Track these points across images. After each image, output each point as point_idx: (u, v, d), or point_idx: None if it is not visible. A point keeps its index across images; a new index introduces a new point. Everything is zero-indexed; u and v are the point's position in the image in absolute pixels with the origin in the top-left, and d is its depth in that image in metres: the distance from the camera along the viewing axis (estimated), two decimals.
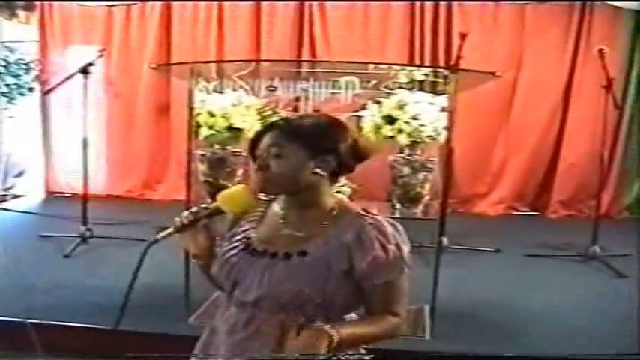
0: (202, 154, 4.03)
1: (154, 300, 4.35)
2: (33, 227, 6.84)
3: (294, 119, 2.03)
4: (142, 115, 8.44)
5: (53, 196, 8.63)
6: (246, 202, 2.04)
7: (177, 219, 2.03)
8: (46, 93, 6.40)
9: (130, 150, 8.52)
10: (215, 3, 8.17)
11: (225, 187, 2.16)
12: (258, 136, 2.02)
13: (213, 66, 4.61)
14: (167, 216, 2.15)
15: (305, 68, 4.66)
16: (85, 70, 5.91)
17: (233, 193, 2.05)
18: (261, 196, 2.11)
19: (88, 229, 6.11)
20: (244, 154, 3.98)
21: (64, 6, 8.42)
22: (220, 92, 4.06)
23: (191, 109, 3.70)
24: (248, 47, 8.08)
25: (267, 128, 2.02)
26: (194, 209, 2.05)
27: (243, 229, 2.08)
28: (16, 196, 8.66)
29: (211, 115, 3.88)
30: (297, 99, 4.43)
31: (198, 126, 3.92)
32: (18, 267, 5.29)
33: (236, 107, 3.90)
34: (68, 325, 4.07)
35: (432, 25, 7.85)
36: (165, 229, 2.02)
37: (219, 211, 2.03)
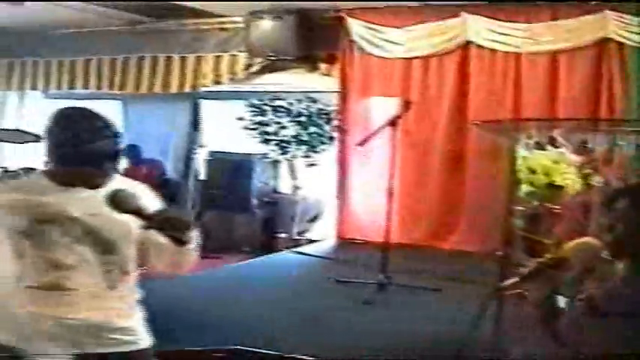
0: (520, 209, 4.15)
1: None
2: (328, 272, 7.18)
3: None
4: (435, 165, 8.64)
5: (346, 242, 8.95)
6: (592, 256, 2.12)
7: (523, 268, 2.18)
8: (359, 144, 6.91)
9: (422, 199, 8.70)
10: (512, 54, 8.25)
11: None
12: (611, 198, 2.11)
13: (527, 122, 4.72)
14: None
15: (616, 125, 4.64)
16: (392, 123, 6.32)
17: (580, 245, 2.14)
18: (607, 254, 2.16)
19: (387, 277, 6.30)
20: (563, 210, 4.05)
21: (365, 58, 8.93)
22: (541, 149, 4.18)
23: (513, 164, 3.83)
24: (545, 99, 8.07)
25: (621, 192, 2.10)
26: (538, 259, 2.19)
27: (588, 286, 2.14)
28: (310, 241, 9.29)
29: (532, 171, 4.01)
30: (613, 153, 4.42)
31: (517, 182, 4.06)
32: (314, 310, 5.68)
33: (557, 164, 4.00)
34: None
35: None
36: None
37: (564, 262, 2.14)
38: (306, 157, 9.21)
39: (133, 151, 9.83)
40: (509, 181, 3.92)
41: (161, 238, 2.60)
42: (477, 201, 8.04)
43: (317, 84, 9.46)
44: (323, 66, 9.44)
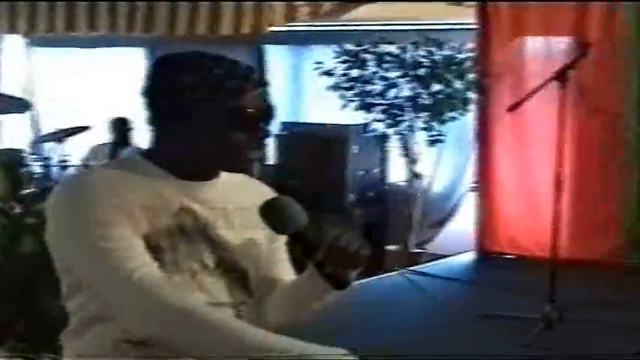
0: None
1: None
2: (466, 301, 7.39)
3: None
4: (628, 142, 8.48)
5: (491, 258, 9.02)
6: None
7: None
8: (510, 110, 6.71)
9: (605, 196, 8.62)
10: None
11: None
12: None
13: None
14: None
15: None
16: (561, 76, 6.21)
17: None
18: None
19: (556, 309, 6.22)
20: None
21: None
22: None
23: None
24: None
25: None
26: None
27: None
28: (435, 256, 9.29)
29: None
30: None
31: None
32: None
33: None
34: None
35: None
36: None
37: None
38: (428, 129, 9.14)
39: None
40: None
41: (289, 271, 2.64)
42: None
43: (444, 17, 9.49)
44: None
